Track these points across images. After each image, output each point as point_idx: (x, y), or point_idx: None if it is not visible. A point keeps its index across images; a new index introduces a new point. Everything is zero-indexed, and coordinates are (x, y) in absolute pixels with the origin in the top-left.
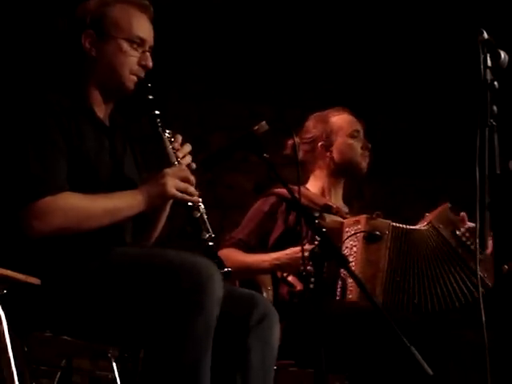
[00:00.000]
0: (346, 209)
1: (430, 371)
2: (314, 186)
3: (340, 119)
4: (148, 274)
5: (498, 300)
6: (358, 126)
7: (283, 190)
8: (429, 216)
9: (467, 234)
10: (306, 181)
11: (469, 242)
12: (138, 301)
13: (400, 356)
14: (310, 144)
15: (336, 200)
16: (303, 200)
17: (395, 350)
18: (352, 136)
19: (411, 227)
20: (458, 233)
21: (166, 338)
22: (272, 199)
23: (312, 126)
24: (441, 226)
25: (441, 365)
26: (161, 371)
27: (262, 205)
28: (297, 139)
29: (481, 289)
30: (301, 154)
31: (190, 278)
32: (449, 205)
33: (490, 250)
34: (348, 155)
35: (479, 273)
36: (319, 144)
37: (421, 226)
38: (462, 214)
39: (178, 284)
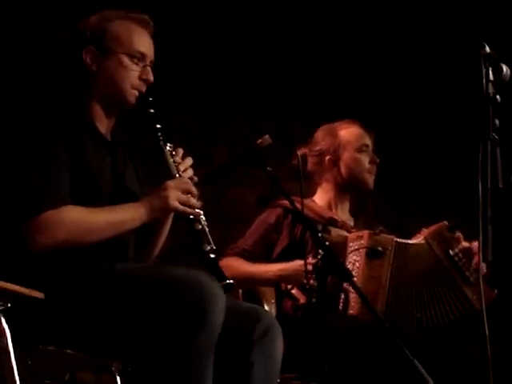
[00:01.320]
0: (351, 222)
1: None
2: (320, 198)
3: (348, 133)
4: (150, 289)
5: (501, 314)
6: (367, 140)
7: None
8: (425, 231)
9: (460, 255)
10: (313, 193)
11: (460, 263)
12: (140, 315)
13: (403, 369)
14: (318, 157)
15: (342, 213)
16: (309, 213)
17: (398, 363)
18: (360, 150)
19: (410, 242)
20: (451, 252)
21: (168, 354)
22: (278, 211)
23: (320, 138)
24: (435, 243)
25: (444, 378)
26: None
27: (269, 216)
28: (305, 150)
29: (484, 303)
30: (309, 166)
31: (193, 294)
32: (446, 223)
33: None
34: (355, 170)
35: (482, 284)
36: (327, 158)
37: (415, 240)
38: (458, 234)
39: (180, 299)
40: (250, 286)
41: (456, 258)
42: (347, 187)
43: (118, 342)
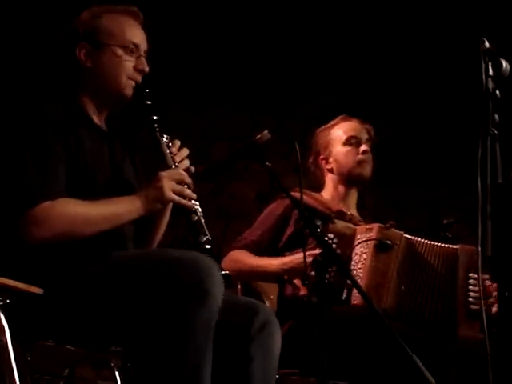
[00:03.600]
0: (359, 218)
1: (432, 380)
2: (326, 195)
3: (337, 129)
4: (147, 271)
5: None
6: (357, 132)
7: (298, 194)
8: (467, 246)
9: (475, 282)
10: (321, 189)
11: (470, 287)
12: (139, 298)
13: (402, 365)
14: (315, 161)
15: (348, 209)
16: (318, 205)
17: (397, 358)
18: (346, 143)
19: (424, 241)
20: (470, 275)
21: (167, 336)
22: (286, 202)
23: (314, 141)
24: (463, 257)
25: (443, 373)
26: (161, 373)
27: (277, 207)
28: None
29: (482, 298)
30: (311, 168)
31: (190, 273)
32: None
33: (495, 309)
34: (342, 163)
35: (481, 279)
36: (320, 158)
37: (448, 245)
38: (489, 275)
39: (177, 279)
40: (255, 280)
41: (471, 281)
42: (344, 181)
43: (118, 329)
